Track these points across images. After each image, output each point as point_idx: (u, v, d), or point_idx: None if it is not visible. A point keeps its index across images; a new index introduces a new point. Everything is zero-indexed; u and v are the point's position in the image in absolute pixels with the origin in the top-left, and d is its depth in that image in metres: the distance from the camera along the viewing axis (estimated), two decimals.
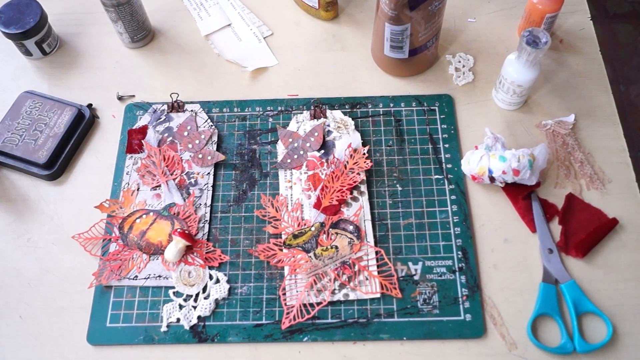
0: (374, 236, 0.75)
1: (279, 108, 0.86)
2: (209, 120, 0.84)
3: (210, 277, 0.74)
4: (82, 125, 0.84)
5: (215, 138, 0.83)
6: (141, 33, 0.91)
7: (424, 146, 0.81)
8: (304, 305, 0.71)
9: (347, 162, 0.79)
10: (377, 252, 0.74)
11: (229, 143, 0.83)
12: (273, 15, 0.96)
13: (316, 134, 0.81)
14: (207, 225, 0.77)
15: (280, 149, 0.82)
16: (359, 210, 0.76)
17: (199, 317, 0.71)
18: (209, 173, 0.81)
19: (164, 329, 0.71)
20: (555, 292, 0.70)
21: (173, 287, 0.73)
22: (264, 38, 0.93)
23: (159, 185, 0.80)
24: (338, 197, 0.77)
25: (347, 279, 0.72)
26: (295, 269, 0.73)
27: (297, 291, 0.72)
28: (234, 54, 0.92)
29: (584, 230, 0.74)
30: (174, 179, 0.80)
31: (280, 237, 0.76)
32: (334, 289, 0.72)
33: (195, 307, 0.72)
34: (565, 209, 0.76)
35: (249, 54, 0.92)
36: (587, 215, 0.75)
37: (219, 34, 0.94)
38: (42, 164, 0.80)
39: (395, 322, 0.70)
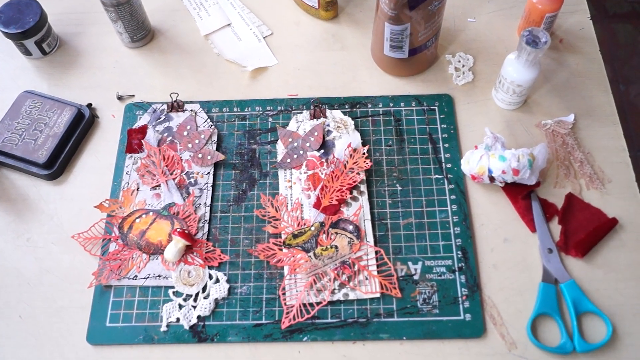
0: (374, 236, 0.75)
1: (279, 108, 0.86)
2: (208, 120, 0.84)
3: (210, 277, 0.74)
4: (82, 125, 0.84)
5: (215, 138, 0.83)
6: (141, 33, 0.91)
7: (424, 146, 0.81)
8: (304, 305, 0.71)
9: (347, 161, 0.79)
10: (376, 252, 0.74)
11: (228, 143, 0.83)
12: (273, 15, 0.96)
13: (316, 133, 0.81)
14: (206, 225, 0.77)
15: (280, 149, 0.82)
16: (358, 210, 0.76)
17: (198, 317, 0.71)
18: (208, 173, 0.81)
19: (163, 328, 0.71)
20: (555, 292, 0.70)
21: (173, 287, 0.73)
22: (264, 38, 0.93)
23: (159, 185, 0.80)
24: (338, 196, 0.77)
25: (346, 279, 0.72)
26: (295, 268, 0.73)
27: (296, 291, 0.72)
28: (234, 53, 0.92)
29: (583, 230, 0.74)
30: (173, 179, 0.80)
31: (280, 237, 0.76)
32: (334, 289, 0.72)
33: (195, 307, 0.72)
34: (565, 208, 0.76)
35: (249, 54, 0.92)
36: (587, 215, 0.75)
37: (218, 34, 0.94)
38: (41, 163, 0.80)
39: (395, 322, 0.70)
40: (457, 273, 0.73)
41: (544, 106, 0.84)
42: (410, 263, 0.73)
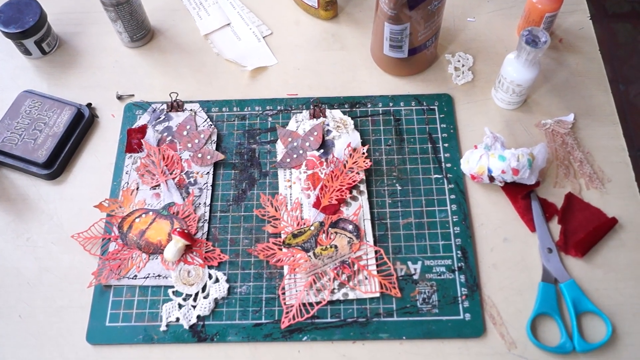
0: (374, 235, 0.75)
1: (279, 107, 0.86)
2: (208, 120, 0.84)
3: (210, 277, 0.74)
4: (82, 124, 0.84)
5: (214, 137, 0.83)
6: (140, 32, 0.91)
7: (424, 145, 0.81)
8: (304, 304, 0.71)
9: (347, 161, 0.79)
10: (376, 252, 0.74)
11: (228, 142, 0.83)
12: (272, 14, 0.96)
13: (315, 133, 0.81)
14: (206, 225, 0.77)
15: (280, 149, 0.82)
16: (358, 209, 0.76)
17: (198, 317, 0.71)
18: (208, 172, 0.81)
19: (163, 328, 0.71)
20: (555, 292, 0.70)
21: (172, 287, 0.73)
22: (264, 37, 0.93)
23: (159, 185, 0.80)
24: (337, 196, 0.77)
25: (346, 279, 0.72)
26: (295, 268, 0.73)
27: (296, 290, 0.72)
28: (234, 53, 0.92)
29: (583, 230, 0.74)
30: (173, 179, 0.80)
31: (280, 237, 0.76)
32: (334, 289, 0.72)
33: (194, 307, 0.72)
34: (564, 208, 0.76)
35: (249, 54, 0.92)
36: (587, 215, 0.75)
37: (218, 34, 0.94)
38: (41, 163, 0.80)
39: (395, 322, 0.70)
40: (456, 273, 0.73)
41: (544, 106, 0.84)
42: (409, 263, 0.73)
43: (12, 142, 0.82)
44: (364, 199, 0.77)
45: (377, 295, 0.71)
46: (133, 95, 0.88)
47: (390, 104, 0.85)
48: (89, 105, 0.87)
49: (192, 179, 0.80)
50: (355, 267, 0.73)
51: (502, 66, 0.80)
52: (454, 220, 0.76)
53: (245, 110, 0.86)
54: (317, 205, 0.77)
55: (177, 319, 0.71)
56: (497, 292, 0.72)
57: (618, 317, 0.69)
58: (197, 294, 0.73)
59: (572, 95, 0.85)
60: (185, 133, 0.83)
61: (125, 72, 0.91)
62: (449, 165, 0.80)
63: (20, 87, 0.89)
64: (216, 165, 0.81)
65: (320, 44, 0.92)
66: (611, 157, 0.80)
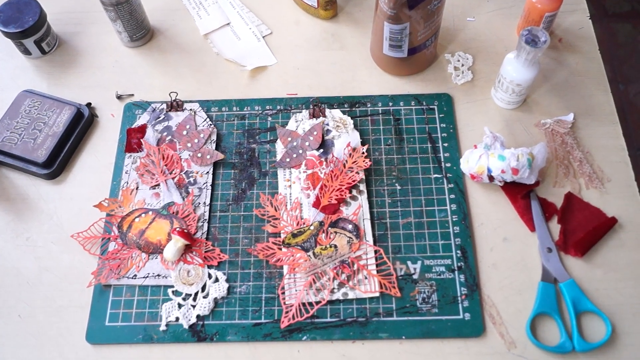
0: (373, 235, 0.75)
1: (278, 107, 0.86)
2: (208, 119, 0.84)
3: (209, 276, 0.74)
4: (81, 124, 0.84)
5: (214, 137, 0.83)
6: (140, 32, 0.91)
7: (423, 145, 0.81)
8: (303, 304, 0.71)
9: (346, 161, 0.79)
10: (376, 251, 0.74)
11: (228, 142, 0.83)
12: (272, 14, 0.96)
13: (315, 133, 0.81)
14: (206, 224, 0.77)
15: (279, 148, 0.82)
16: (358, 209, 0.76)
17: (198, 316, 0.71)
18: (207, 172, 0.81)
19: (162, 328, 0.71)
20: (555, 291, 0.70)
21: (172, 286, 0.73)
22: (263, 37, 0.93)
23: (158, 184, 0.80)
24: (337, 196, 0.77)
25: (346, 278, 0.72)
26: (294, 268, 0.73)
27: (296, 290, 0.72)
28: (233, 53, 0.92)
29: (583, 229, 0.74)
30: (173, 178, 0.80)
31: (279, 236, 0.76)
32: (333, 288, 0.72)
33: (194, 306, 0.72)
34: (564, 208, 0.76)
35: (248, 53, 0.92)
36: (586, 214, 0.75)
37: (218, 33, 0.94)
38: (41, 162, 0.80)
39: (394, 321, 0.70)
40: (456, 272, 0.73)
41: (543, 105, 0.84)
42: (409, 262, 0.73)
43: (12, 141, 0.82)
44: (363, 199, 0.77)
45: (377, 294, 0.71)
46: (133, 94, 0.88)
47: (390, 104, 0.85)
48: (88, 104, 0.87)
49: (191, 179, 0.80)
50: (355, 266, 0.73)
51: (501, 66, 0.80)
52: (454, 219, 0.76)
53: (245, 109, 0.86)
54: (316, 204, 0.77)
55: (177, 319, 0.71)
56: (497, 292, 0.72)
57: (618, 316, 0.69)
58: (196, 294, 0.73)
59: (572, 94, 0.85)
60: (184, 133, 0.83)
61: (124, 71, 0.91)
62: (448, 164, 0.80)
63: (20, 86, 0.89)
64: (216, 165, 0.81)
65: (319, 44, 0.92)
66: (611, 157, 0.80)
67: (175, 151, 0.82)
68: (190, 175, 0.80)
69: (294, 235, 0.75)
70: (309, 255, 0.73)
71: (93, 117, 0.87)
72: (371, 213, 0.77)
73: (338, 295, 0.71)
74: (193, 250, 0.75)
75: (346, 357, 0.69)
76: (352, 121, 0.83)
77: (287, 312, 0.71)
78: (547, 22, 0.84)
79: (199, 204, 0.78)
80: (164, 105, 0.86)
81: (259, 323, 0.71)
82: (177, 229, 0.74)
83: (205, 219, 0.77)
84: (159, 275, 0.74)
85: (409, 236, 0.75)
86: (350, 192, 0.78)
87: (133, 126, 0.84)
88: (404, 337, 0.69)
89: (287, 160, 0.80)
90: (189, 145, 0.82)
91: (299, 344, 0.70)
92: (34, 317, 0.73)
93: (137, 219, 0.77)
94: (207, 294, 0.72)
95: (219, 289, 0.73)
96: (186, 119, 0.84)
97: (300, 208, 0.77)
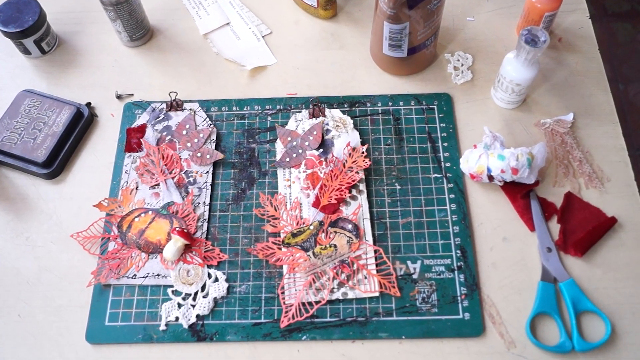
0: (373, 235, 0.75)
1: (278, 107, 0.86)
2: (207, 119, 0.84)
3: (209, 276, 0.74)
4: (81, 123, 0.84)
5: (214, 137, 0.83)
6: (140, 32, 0.91)
7: (423, 145, 0.81)
8: (303, 304, 0.71)
9: (346, 160, 0.79)
10: (375, 251, 0.74)
11: (227, 142, 0.83)
12: (272, 14, 0.96)
13: (315, 132, 0.81)
14: (205, 224, 0.77)
15: (279, 148, 0.82)
16: (357, 209, 0.76)
17: (197, 316, 0.71)
18: (207, 172, 0.81)
19: (162, 327, 0.71)
20: (554, 291, 0.71)
21: (172, 286, 0.73)
22: (263, 37, 0.93)
23: (158, 184, 0.80)
24: (337, 195, 0.77)
25: (345, 278, 0.72)
26: (294, 267, 0.73)
27: (295, 290, 0.72)
28: (233, 52, 0.92)
29: (582, 229, 0.74)
30: (172, 178, 0.80)
31: (279, 236, 0.76)
32: (333, 288, 0.72)
33: (194, 306, 0.72)
34: (564, 207, 0.76)
35: (248, 53, 0.92)
36: (586, 214, 0.75)
37: (217, 33, 0.94)
38: (40, 162, 0.80)
39: (394, 321, 0.70)
40: (456, 272, 0.73)
41: (543, 105, 0.84)
42: (409, 262, 0.73)
43: (12, 141, 0.82)
44: (363, 199, 0.77)
45: (377, 294, 0.71)
46: (132, 94, 0.88)
47: (390, 104, 0.85)
48: (88, 104, 0.87)
49: (191, 178, 0.80)
50: (355, 266, 0.73)
51: (501, 65, 0.80)
52: (454, 219, 0.76)
53: (245, 109, 0.86)
54: (316, 204, 0.77)
55: (177, 319, 0.71)
56: (497, 292, 0.72)
57: (617, 316, 0.69)
58: (196, 293, 0.73)
59: (572, 94, 0.85)
60: (184, 132, 0.83)
61: (124, 71, 0.91)
62: (448, 164, 0.80)
63: (20, 86, 0.89)
64: (215, 165, 0.81)
65: (319, 44, 0.92)
66: (610, 157, 0.80)
67: (175, 151, 0.82)
68: (189, 175, 0.80)
69: (294, 235, 0.75)
70: (309, 255, 0.73)
71: (93, 116, 0.87)
72: (371, 213, 0.77)
73: (338, 295, 0.71)
74: (193, 250, 0.75)
75: (346, 356, 0.69)
76: (351, 121, 0.83)
77: (286, 312, 0.71)
78: (546, 22, 0.84)
79: (199, 203, 0.78)
80: (164, 105, 0.86)
81: (259, 323, 0.71)
82: (177, 229, 0.74)
83: (205, 219, 0.77)
84: (158, 275, 0.74)
85: (408, 236, 0.75)
86: (350, 191, 0.78)
87: (133, 126, 0.84)
88: (403, 337, 0.69)
89: (287, 160, 0.80)
90: (188, 145, 0.82)
91: (298, 344, 0.70)
92: (34, 316, 0.73)
93: (136, 219, 0.77)
94: (207, 294, 0.72)
95: (218, 289, 0.73)
96: (186, 118, 0.84)
97: (299, 208, 0.77)
